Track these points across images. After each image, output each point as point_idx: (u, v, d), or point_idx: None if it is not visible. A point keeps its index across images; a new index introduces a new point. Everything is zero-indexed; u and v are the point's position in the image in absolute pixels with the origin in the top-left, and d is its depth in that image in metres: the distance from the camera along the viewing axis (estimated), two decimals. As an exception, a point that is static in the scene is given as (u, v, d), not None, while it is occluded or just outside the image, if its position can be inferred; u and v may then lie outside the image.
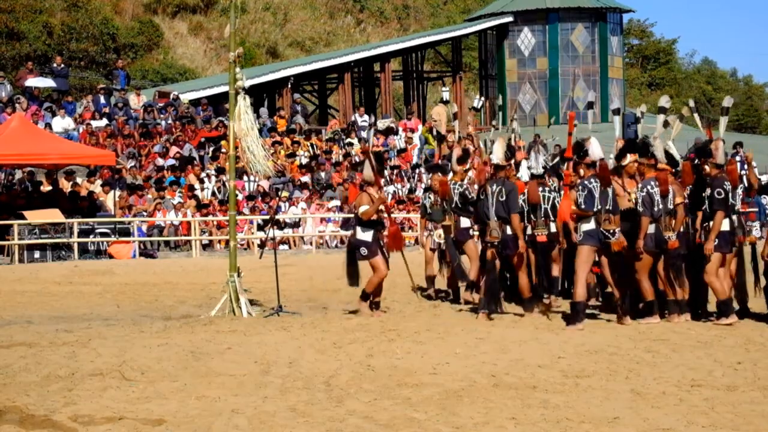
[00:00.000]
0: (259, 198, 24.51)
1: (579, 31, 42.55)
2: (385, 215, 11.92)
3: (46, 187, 22.98)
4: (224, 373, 8.05)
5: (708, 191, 10.64)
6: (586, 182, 10.50)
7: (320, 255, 22.30)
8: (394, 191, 26.48)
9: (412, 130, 31.66)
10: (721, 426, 6.40)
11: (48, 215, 20.95)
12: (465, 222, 12.72)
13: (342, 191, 25.70)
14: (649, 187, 10.63)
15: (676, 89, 59.77)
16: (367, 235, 11.56)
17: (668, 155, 11.08)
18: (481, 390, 7.39)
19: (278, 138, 28.24)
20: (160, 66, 44.90)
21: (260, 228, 22.89)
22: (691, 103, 12.68)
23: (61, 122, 25.28)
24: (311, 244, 23.84)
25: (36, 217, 20.80)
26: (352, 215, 12.35)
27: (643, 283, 10.74)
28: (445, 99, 14.70)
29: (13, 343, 9.64)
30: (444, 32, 43.63)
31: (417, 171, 28.41)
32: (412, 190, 26.91)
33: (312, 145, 29.30)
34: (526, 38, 42.75)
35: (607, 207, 10.41)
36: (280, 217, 22.88)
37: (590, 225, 10.41)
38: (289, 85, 34.55)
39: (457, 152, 13.01)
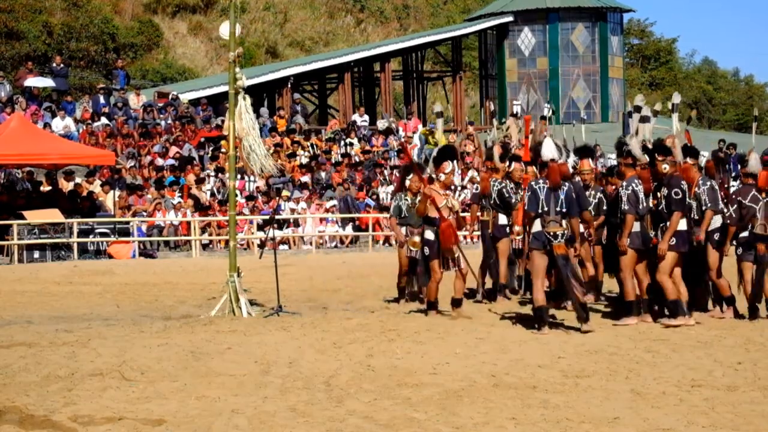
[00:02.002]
0: (260, 198, 24.51)
1: (579, 30, 42.52)
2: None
3: (45, 187, 22.98)
4: (224, 373, 8.05)
5: (665, 191, 10.50)
6: (532, 183, 10.36)
7: (320, 255, 22.31)
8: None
9: (413, 131, 31.68)
10: (721, 426, 6.40)
11: (47, 215, 20.94)
12: (502, 219, 12.72)
13: (341, 191, 25.69)
14: (633, 185, 10.56)
15: (676, 89, 59.72)
16: (430, 235, 11.21)
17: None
18: (481, 390, 7.39)
19: (278, 138, 28.23)
20: (160, 66, 44.91)
21: (260, 228, 22.88)
22: (675, 99, 12.59)
23: (61, 122, 25.27)
24: (311, 244, 23.84)
25: (35, 217, 20.79)
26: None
27: (626, 282, 10.66)
28: (516, 112, 14.58)
29: (13, 343, 9.63)
30: (444, 32, 43.60)
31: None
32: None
33: (312, 145, 29.30)
34: (526, 38, 42.72)
35: (557, 209, 10.14)
36: (279, 216, 22.85)
37: (536, 227, 10.22)
38: (289, 85, 34.55)
39: (498, 150, 12.98)
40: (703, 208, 10.89)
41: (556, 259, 10.14)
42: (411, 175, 12.35)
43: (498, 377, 7.84)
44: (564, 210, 10.17)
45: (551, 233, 10.10)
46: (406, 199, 12.49)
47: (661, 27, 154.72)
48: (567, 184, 10.44)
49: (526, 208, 10.32)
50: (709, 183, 11.04)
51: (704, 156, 17.81)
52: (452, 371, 8.07)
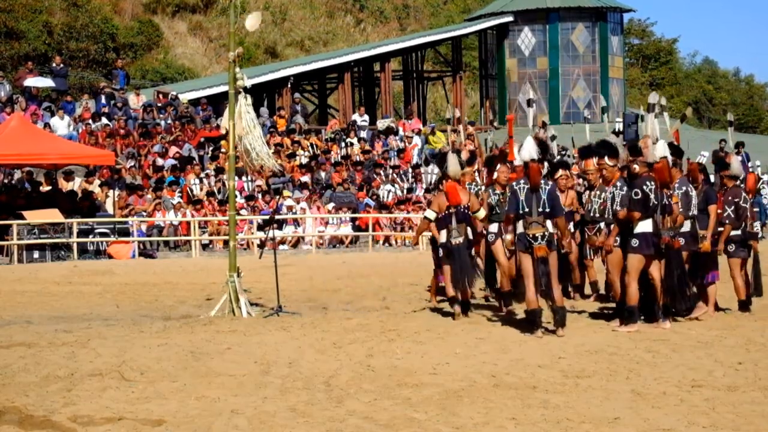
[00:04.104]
0: (260, 198, 24.50)
1: (579, 30, 42.52)
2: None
3: (45, 187, 22.96)
4: (224, 373, 8.05)
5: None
6: (513, 184, 10.23)
7: (320, 255, 22.29)
8: (393, 191, 26.48)
9: (413, 130, 31.67)
10: (721, 426, 6.39)
11: (47, 215, 20.93)
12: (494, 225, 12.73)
13: (341, 191, 25.67)
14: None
15: (676, 89, 59.79)
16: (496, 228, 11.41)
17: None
18: (481, 390, 7.38)
19: (278, 138, 28.22)
20: (160, 66, 44.92)
21: (260, 228, 22.86)
22: (652, 99, 12.47)
23: (60, 122, 25.26)
24: (311, 244, 23.82)
25: (35, 217, 20.77)
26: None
27: (614, 284, 10.69)
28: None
29: (12, 343, 9.63)
30: (444, 32, 43.59)
31: (417, 170, 28.42)
32: (411, 190, 26.92)
33: (312, 145, 29.28)
34: (526, 38, 42.72)
35: (539, 209, 10.00)
36: (279, 216, 22.83)
37: (519, 228, 10.12)
38: (289, 85, 34.54)
39: (465, 154, 12.87)
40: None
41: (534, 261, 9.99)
42: (499, 166, 11.95)
43: (498, 377, 7.83)
44: (547, 210, 10.07)
45: (531, 235, 9.99)
46: (496, 193, 11.85)
47: (662, 27, 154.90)
48: (550, 183, 10.38)
49: (506, 209, 10.22)
50: (684, 188, 11.01)
51: (704, 156, 17.75)
52: (452, 371, 8.06)
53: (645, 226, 10.28)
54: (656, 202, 10.32)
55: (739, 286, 11.70)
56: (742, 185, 11.99)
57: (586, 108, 40.30)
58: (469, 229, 11.27)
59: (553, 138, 17.01)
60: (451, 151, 11.70)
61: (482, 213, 11.39)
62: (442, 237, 11.28)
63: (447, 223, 11.21)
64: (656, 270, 10.47)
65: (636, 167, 10.46)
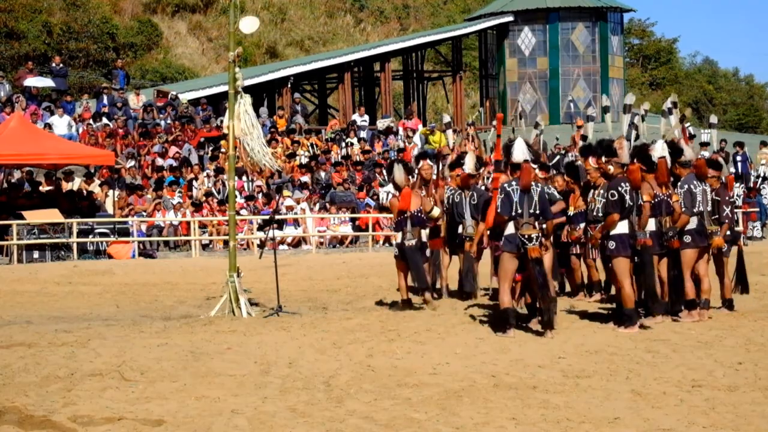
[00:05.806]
0: (260, 198, 24.48)
1: (579, 30, 42.50)
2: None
3: (45, 187, 22.96)
4: (224, 373, 8.04)
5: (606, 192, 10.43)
6: (505, 185, 10.16)
7: (320, 255, 22.27)
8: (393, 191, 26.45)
9: (413, 130, 31.64)
10: (721, 426, 6.39)
11: (47, 215, 20.92)
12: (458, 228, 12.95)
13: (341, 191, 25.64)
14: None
15: (676, 89, 59.76)
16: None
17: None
18: (481, 390, 7.38)
19: (278, 138, 28.21)
20: (160, 66, 44.92)
21: (260, 228, 22.85)
22: (629, 100, 12.50)
23: (60, 122, 25.25)
24: (311, 244, 23.80)
25: (35, 217, 20.76)
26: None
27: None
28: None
29: (12, 343, 9.62)
30: (444, 32, 43.57)
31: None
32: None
33: (312, 145, 29.27)
34: (526, 38, 42.71)
35: (531, 211, 9.98)
36: (279, 216, 22.81)
37: (509, 230, 10.04)
38: (289, 85, 34.53)
39: (450, 158, 13.00)
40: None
41: (528, 262, 9.99)
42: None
43: (498, 377, 7.83)
44: (538, 212, 10.05)
45: (525, 236, 9.97)
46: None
47: (662, 27, 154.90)
48: (539, 185, 10.36)
49: (498, 211, 10.11)
50: (686, 186, 11.02)
51: (704, 156, 17.77)
52: (452, 371, 8.06)
53: (621, 227, 10.23)
54: (631, 204, 10.26)
55: (726, 284, 11.82)
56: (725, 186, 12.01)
57: (587, 107, 40.30)
58: (423, 232, 11.85)
59: (585, 138, 17.03)
60: (397, 162, 12.18)
61: (436, 212, 12.05)
62: (398, 238, 11.96)
63: (402, 226, 11.86)
64: (662, 267, 10.51)
65: (611, 168, 10.44)
